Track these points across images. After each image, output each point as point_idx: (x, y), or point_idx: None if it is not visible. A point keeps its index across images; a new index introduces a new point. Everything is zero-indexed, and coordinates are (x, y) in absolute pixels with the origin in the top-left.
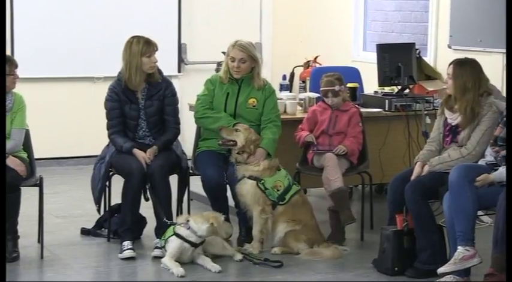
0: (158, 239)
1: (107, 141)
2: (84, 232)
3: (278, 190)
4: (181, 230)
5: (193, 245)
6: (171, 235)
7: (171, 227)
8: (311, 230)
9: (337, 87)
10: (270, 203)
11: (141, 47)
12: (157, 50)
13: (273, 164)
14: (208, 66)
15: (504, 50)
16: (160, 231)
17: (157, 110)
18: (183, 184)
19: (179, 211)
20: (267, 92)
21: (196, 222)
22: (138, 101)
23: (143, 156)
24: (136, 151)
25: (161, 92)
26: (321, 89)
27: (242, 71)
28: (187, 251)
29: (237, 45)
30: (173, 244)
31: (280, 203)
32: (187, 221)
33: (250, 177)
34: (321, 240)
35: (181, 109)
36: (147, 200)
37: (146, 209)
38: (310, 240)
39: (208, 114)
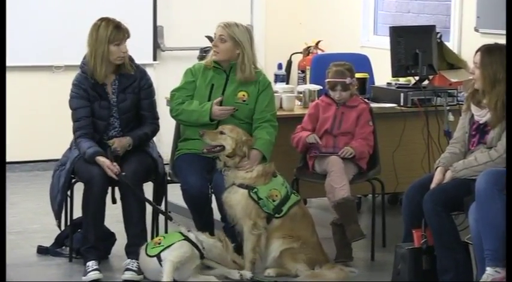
0: (129, 260)
1: (68, 143)
2: (42, 251)
3: (274, 200)
4: (191, 235)
5: (202, 256)
6: (180, 240)
7: (176, 233)
8: (312, 248)
9: (348, 80)
10: (264, 216)
11: (109, 33)
12: (128, 37)
13: (268, 170)
14: (190, 53)
15: None
16: (131, 249)
17: (132, 105)
18: (160, 193)
19: (155, 226)
20: (261, 84)
21: (206, 235)
22: (109, 97)
23: (108, 165)
24: (100, 159)
25: (135, 83)
26: (328, 80)
27: (221, 53)
28: (194, 262)
29: (223, 22)
30: (184, 249)
31: (277, 215)
32: (189, 230)
33: (240, 186)
34: (324, 260)
35: (157, 104)
36: (114, 202)
37: (115, 223)
38: (311, 260)
39: (182, 108)
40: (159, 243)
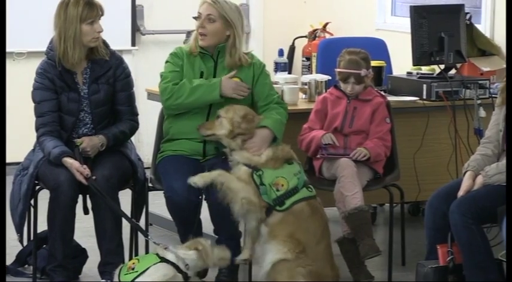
0: (104, 280)
1: (31, 143)
2: None
3: (278, 190)
4: (169, 255)
5: (186, 277)
6: (157, 262)
7: (152, 255)
8: (312, 259)
9: (363, 72)
10: (264, 205)
11: (80, 10)
12: (102, 14)
13: (279, 154)
14: (174, 37)
15: None
16: (106, 268)
17: (106, 98)
18: (139, 203)
19: (133, 241)
20: (256, 67)
21: (182, 248)
22: (79, 88)
23: (77, 167)
24: (67, 161)
25: (110, 72)
26: (340, 70)
27: (209, 36)
28: None
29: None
30: (161, 272)
31: (277, 208)
32: (166, 248)
33: (246, 165)
34: (332, 276)
35: (136, 98)
36: (86, 212)
37: (87, 238)
38: (314, 275)
39: (182, 83)
40: (133, 268)
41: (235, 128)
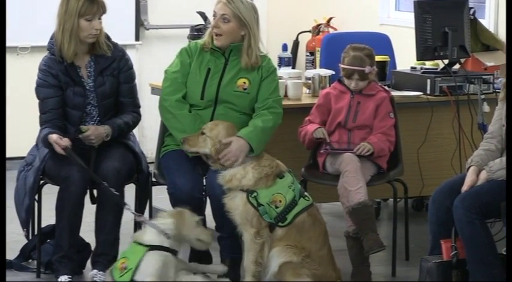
0: (96, 270)
1: (35, 138)
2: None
3: (277, 207)
4: (150, 236)
5: (174, 252)
6: (145, 252)
7: (136, 246)
8: (318, 263)
9: (367, 69)
10: (266, 225)
11: (80, 5)
12: (104, 12)
13: (268, 172)
14: (178, 31)
15: None
16: (100, 259)
17: (111, 90)
18: (143, 197)
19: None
20: (265, 70)
21: (161, 215)
22: (84, 81)
23: (55, 139)
24: (51, 137)
25: (115, 64)
26: (344, 66)
27: (224, 35)
28: (171, 265)
29: None
30: (154, 261)
31: (280, 224)
32: (143, 221)
33: (241, 189)
34: (335, 278)
35: (140, 92)
36: (94, 202)
37: (89, 232)
38: (316, 277)
39: (175, 113)
40: (125, 268)
41: (217, 150)
